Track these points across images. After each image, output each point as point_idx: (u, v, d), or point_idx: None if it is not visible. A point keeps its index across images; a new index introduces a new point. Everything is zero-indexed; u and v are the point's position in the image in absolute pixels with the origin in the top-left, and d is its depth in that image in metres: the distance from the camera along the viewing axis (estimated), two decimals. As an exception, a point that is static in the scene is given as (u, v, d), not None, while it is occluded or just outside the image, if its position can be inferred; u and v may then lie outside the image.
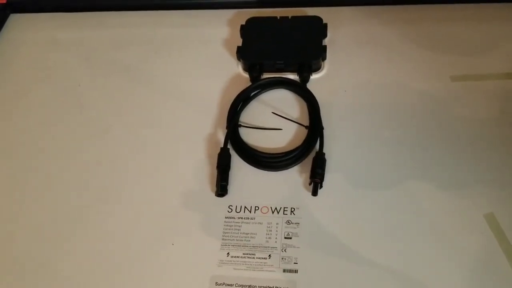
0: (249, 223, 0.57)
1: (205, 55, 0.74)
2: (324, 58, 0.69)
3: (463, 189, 0.57)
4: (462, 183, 0.58)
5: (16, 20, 0.83)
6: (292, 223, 0.56)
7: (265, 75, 0.69)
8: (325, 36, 0.71)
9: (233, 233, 0.56)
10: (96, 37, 0.78)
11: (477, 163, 0.59)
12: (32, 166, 0.65)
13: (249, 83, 0.68)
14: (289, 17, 0.72)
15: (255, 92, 0.68)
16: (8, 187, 0.64)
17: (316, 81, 0.69)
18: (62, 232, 0.59)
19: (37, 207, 0.62)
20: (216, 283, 0.53)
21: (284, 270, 0.54)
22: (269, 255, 0.55)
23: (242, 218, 0.57)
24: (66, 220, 0.60)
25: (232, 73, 0.71)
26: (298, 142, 0.62)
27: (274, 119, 0.66)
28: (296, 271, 0.54)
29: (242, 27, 0.72)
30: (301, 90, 0.67)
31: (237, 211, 0.58)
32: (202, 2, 0.79)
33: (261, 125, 0.65)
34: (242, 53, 0.70)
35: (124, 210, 0.60)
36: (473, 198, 0.56)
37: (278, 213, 0.57)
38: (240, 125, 0.65)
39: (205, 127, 0.66)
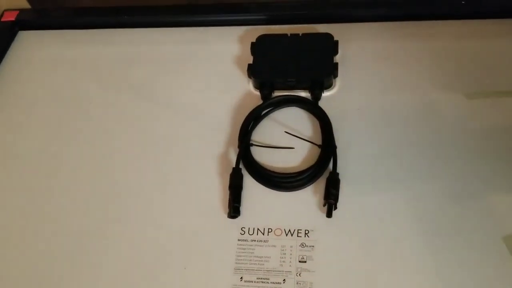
0: (263, 246, 0.56)
1: (215, 73, 0.73)
2: (335, 76, 0.69)
3: (482, 210, 0.56)
4: (481, 204, 0.56)
5: (25, 37, 0.83)
6: (307, 246, 0.55)
7: (276, 93, 0.68)
8: (336, 53, 0.70)
9: (246, 256, 0.55)
10: (105, 55, 0.78)
11: (497, 183, 0.58)
12: (40, 184, 0.65)
13: (260, 101, 0.68)
14: (300, 34, 0.72)
15: (267, 110, 0.67)
16: (16, 206, 0.63)
17: (328, 99, 0.68)
18: (72, 255, 0.58)
19: (46, 226, 0.61)
20: (229, 308, 0.53)
21: (299, 295, 0.53)
22: (284, 280, 0.53)
23: (255, 240, 0.56)
24: (76, 243, 0.59)
25: (243, 90, 0.70)
26: (311, 161, 0.61)
27: (286, 137, 0.65)
28: (311, 296, 0.52)
29: (252, 44, 0.72)
30: (313, 108, 0.66)
31: (250, 233, 0.57)
32: (211, 19, 0.79)
33: (273, 143, 0.64)
34: (253, 71, 0.69)
35: (133, 233, 0.59)
36: (492, 220, 0.55)
37: (292, 235, 0.56)
38: (252, 144, 0.64)
39: (216, 146, 0.65)
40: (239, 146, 0.63)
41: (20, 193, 0.64)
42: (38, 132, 0.70)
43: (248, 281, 0.54)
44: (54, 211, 0.62)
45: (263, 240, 0.56)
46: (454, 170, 0.59)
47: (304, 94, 0.68)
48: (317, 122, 0.66)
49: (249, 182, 0.61)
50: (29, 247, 0.60)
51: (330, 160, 0.61)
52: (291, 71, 0.68)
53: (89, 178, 0.64)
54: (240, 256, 0.55)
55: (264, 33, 0.73)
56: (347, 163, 0.61)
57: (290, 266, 0.54)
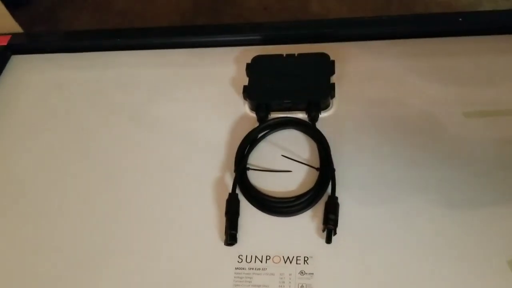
0: (261, 274, 0.54)
1: (210, 95, 0.72)
2: (332, 96, 0.68)
3: (486, 234, 0.54)
4: (484, 227, 0.55)
5: (18, 62, 0.82)
6: (306, 273, 0.54)
7: (273, 115, 0.67)
8: (333, 73, 0.69)
9: (244, 285, 0.54)
10: (99, 78, 0.77)
11: (501, 206, 0.56)
12: (36, 212, 0.63)
13: (256, 123, 0.67)
14: (296, 55, 0.71)
15: (263, 133, 0.66)
16: (12, 235, 0.62)
17: (325, 120, 0.67)
18: (64, 285, 0.57)
19: (41, 253, 0.59)
20: None
21: (299, 326, 0.51)
22: (283, 309, 0.52)
23: (253, 268, 0.55)
24: (66, 270, 0.58)
25: (239, 113, 0.69)
26: (309, 185, 0.60)
27: (283, 160, 0.63)
28: (312, 327, 0.51)
29: (248, 65, 0.70)
30: (310, 130, 0.65)
31: (248, 261, 0.55)
32: (205, 40, 0.78)
33: (270, 167, 0.63)
34: (248, 93, 0.68)
35: (128, 262, 0.57)
36: (496, 243, 0.54)
37: (290, 262, 0.55)
38: (249, 168, 0.63)
39: (212, 171, 0.63)
40: (235, 171, 0.62)
41: (17, 218, 0.63)
42: (31, 155, 0.69)
43: (246, 312, 0.52)
44: (46, 236, 0.61)
45: (261, 268, 0.55)
46: (456, 196, 0.58)
47: (301, 115, 0.67)
48: (314, 144, 0.64)
49: (246, 208, 0.60)
50: (28, 273, 0.58)
51: (328, 184, 0.60)
52: (287, 92, 0.67)
53: (80, 205, 0.63)
54: (237, 285, 0.54)
55: (259, 53, 0.72)
56: (346, 186, 0.60)
57: (289, 295, 0.53)
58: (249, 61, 0.71)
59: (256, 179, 0.62)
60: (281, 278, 0.54)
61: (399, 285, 0.52)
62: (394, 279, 0.53)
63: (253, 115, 0.68)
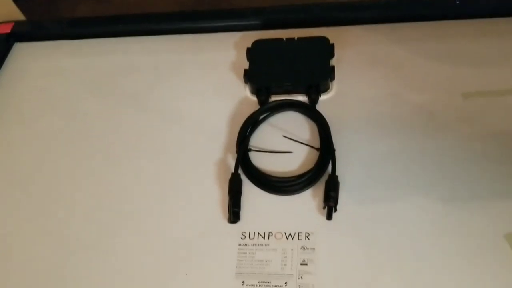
0: (263, 249, 0.56)
1: (211, 79, 0.73)
2: (332, 79, 0.69)
3: (483, 209, 0.56)
4: (481, 202, 0.56)
5: (21, 49, 0.83)
6: (308, 248, 0.55)
7: (273, 98, 0.68)
8: (333, 56, 0.70)
9: (247, 260, 0.55)
10: (101, 64, 0.78)
11: (496, 181, 0.58)
12: (38, 198, 0.64)
13: (257, 106, 0.68)
14: (295, 39, 0.72)
15: (264, 115, 0.67)
16: (10, 219, 0.63)
17: (325, 102, 0.68)
18: (72, 265, 0.58)
19: (40, 240, 0.61)
20: (232, 313, 0.52)
21: (302, 298, 0.52)
22: (285, 283, 0.53)
23: (256, 245, 0.56)
24: (76, 252, 0.59)
25: (240, 96, 0.70)
26: (310, 165, 0.61)
27: (285, 142, 0.65)
28: (314, 299, 0.52)
29: (248, 50, 0.72)
30: (310, 112, 0.66)
31: (251, 237, 0.57)
32: (206, 26, 0.79)
33: (271, 148, 0.64)
34: (249, 76, 0.69)
35: (135, 241, 0.59)
36: (493, 217, 0.55)
37: (292, 238, 0.56)
38: (250, 149, 0.64)
39: (214, 153, 0.65)
40: (237, 152, 0.63)
41: (17, 203, 0.64)
42: (35, 143, 0.70)
43: (250, 285, 0.53)
44: (53, 220, 0.62)
45: (263, 244, 0.56)
46: (453, 171, 0.59)
47: (301, 98, 0.68)
48: (315, 126, 0.66)
49: (249, 187, 0.61)
50: (28, 260, 0.60)
51: (329, 163, 0.61)
52: (287, 75, 0.68)
53: (87, 188, 0.64)
54: (241, 260, 0.55)
55: (259, 38, 0.73)
56: (346, 166, 0.61)
57: (291, 269, 0.54)
58: (249, 45, 0.72)
59: (258, 159, 0.63)
60: (284, 253, 0.55)
61: (397, 258, 0.54)
62: (393, 254, 0.54)
63: (254, 98, 0.69)
